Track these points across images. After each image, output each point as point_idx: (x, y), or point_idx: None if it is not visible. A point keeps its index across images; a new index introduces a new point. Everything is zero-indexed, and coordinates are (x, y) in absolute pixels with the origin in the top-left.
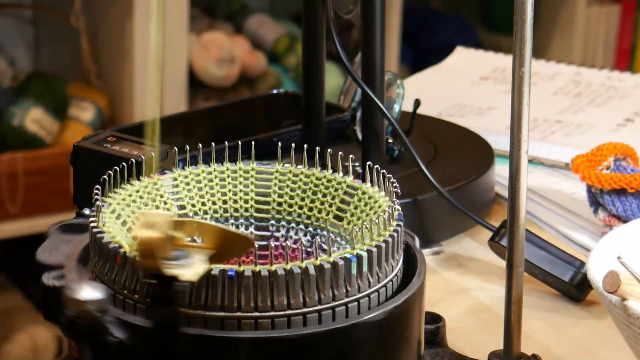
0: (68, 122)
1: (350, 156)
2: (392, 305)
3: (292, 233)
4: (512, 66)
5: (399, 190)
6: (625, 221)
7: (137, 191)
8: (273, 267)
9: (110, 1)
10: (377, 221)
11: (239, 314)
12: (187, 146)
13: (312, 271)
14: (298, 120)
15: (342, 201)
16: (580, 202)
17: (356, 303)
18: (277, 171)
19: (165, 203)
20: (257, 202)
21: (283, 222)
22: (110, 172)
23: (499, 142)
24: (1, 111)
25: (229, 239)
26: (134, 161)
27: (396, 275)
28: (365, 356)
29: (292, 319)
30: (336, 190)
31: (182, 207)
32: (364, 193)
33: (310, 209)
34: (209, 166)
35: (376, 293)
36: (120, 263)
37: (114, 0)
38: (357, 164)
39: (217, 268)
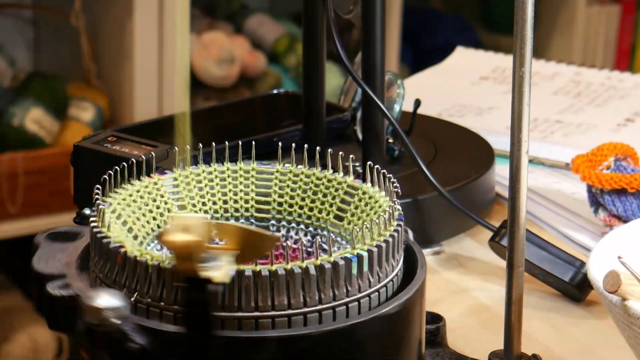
0: (68, 122)
1: (351, 156)
2: (393, 305)
3: (292, 233)
4: (513, 66)
5: (399, 190)
6: (625, 221)
7: (138, 191)
8: (274, 267)
9: (110, 1)
10: (377, 221)
11: (240, 314)
12: (188, 146)
13: (312, 271)
14: (298, 120)
15: (343, 201)
16: (580, 202)
17: (357, 303)
18: (277, 171)
19: (165, 203)
20: (257, 202)
21: (283, 222)
22: (110, 172)
23: (499, 142)
24: (1, 111)
25: (253, 238)
26: (135, 161)
27: (397, 275)
28: (365, 356)
29: (292, 319)
30: (336, 190)
31: (182, 207)
32: (364, 193)
33: (311, 209)
34: (210, 166)
35: (377, 293)
36: (120, 263)
37: (114, 0)
38: (357, 164)
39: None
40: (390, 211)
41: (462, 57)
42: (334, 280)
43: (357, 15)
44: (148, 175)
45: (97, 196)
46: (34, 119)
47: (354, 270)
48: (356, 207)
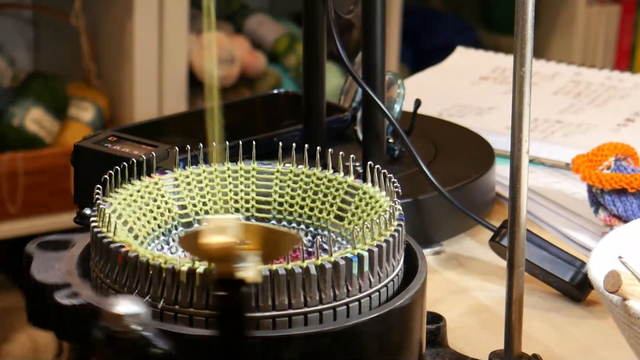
0: (68, 122)
1: (351, 156)
2: (394, 305)
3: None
4: (513, 66)
5: (399, 190)
6: (625, 221)
7: (138, 191)
8: (274, 267)
9: (110, 1)
10: (378, 221)
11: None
12: (188, 146)
13: (313, 271)
14: (298, 120)
15: (343, 201)
16: (580, 202)
17: (357, 303)
18: (278, 171)
19: (166, 203)
20: (258, 202)
21: (284, 222)
22: (111, 171)
23: (499, 142)
24: (1, 111)
25: (275, 237)
26: (135, 161)
27: (397, 275)
28: (366, 356)
29: (293, 319)
30: (337, 190)
31: (183, 207)
32: (364, 193)
33: (311, 209)
34: (210, 166)
35: (377, 293)
36: (121, 263)
37: (114, 0)
38: (357, 164)
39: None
40: (391, 211)
41: (462, 57)
42: (335, 280)
43: (357, 15)
44: (148, 175)
45: (97, 196)
46: (34, 119)
47: (355, 270)
48: (357, 207)
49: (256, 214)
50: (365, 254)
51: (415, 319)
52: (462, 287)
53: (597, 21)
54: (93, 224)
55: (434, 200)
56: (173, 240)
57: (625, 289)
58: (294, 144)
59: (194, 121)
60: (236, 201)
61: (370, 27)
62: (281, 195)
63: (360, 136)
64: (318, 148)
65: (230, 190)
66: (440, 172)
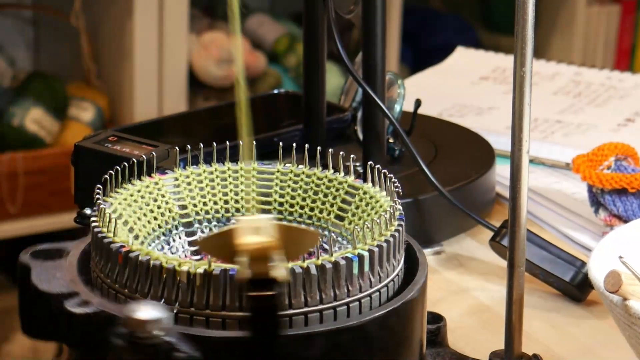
0: (68, 122)
1: (352, 156)
2: (394, 305)
3: None
4: (514, 66)
5: (400, 190)
6: (626, 221)
7: (139, 191)
8: None
9: (110, 1)
10: (378, 221)
11: (241, 313)
12: (189, 146)
13: (313, 271)
14: (298, 120)
15: (344, 201)
16: (581, 202)
17: (358, 303)
18: (278, 171)
19: (166, 203)
20: (258, 202)
21: (284, 222)
22: (111, 171)
23: (499, 142)
24: (1, 111)
25: (296, 235)
26: (135, 161)
27: (397, 274)
28: (366, 356)
29: (293, 319)
30: (337, 190)
31: (183, 207)
32: (365, 193)
33: (312, 209)
34: (210, 166)
35: (378, 293)
36: (121, 263)
37: (114, 0)
38: (358, 163)
39: (218, 268)
40: (391, 211)
41: (462, 57)
42: (335, 280)
43: (357, 15)
44: (149, 175)
45: (97, 196)
46: (34, 119)
47: (355, 270)
48: (357, 207)
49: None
50: (366, 253)
51: (416, 319)
52: (462, 287)
53: (597, 21)
54: (93, 224)
55: (434, 200)
56: (173, 240)
57: (625, 289)
58: (294, 144)
59: (194, 121)
60: (237, 201)
61: (371, 27)
62: (281, 196)
63: (361, 136)
64: (318, 148)
65: (231, 190)
66: (440, 172)
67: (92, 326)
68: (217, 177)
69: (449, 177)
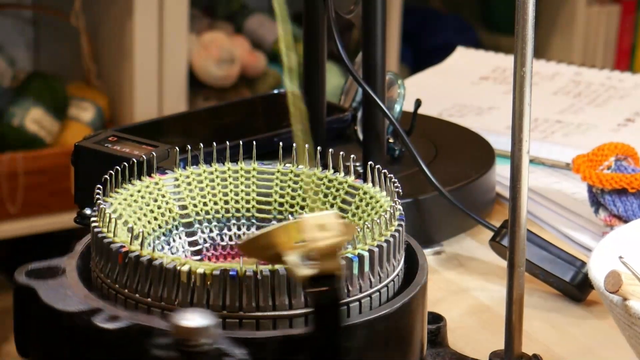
0: (68, 122)
1: (352, 156)
2: (394, 305)
3: None
4: (514, 66)
5: (400, 190)
6: (626, 221)
7: (139, 191)
8: (275, 267)
9: (110, 1)
10: (378, 221)
11: (241, 313)
12: (189, 146)
13: None
14: None
15: (344, 201)
16: (581, 202)
17: (358, 303)
18: (278, 171)
19: (167, 203)
20: (258, 202)
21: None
22: (111, 171)
23: (499, 142)
24: (1, 111)
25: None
26: (135, 161)
27: (398, 275)
28: (367, 356)
29: (293, 319)
30: (337, 190)
31: (183, 207)
32: (365, 193)
33: (312, 209)
34: (211, 166)
35: (378, 293)
36: (122, 263)
37: (114, 0)
38: (358, 164)
39: (218, 268)
40: (391, 211)
41: (462, 57)
42: None
43: (357, 15)
44: (149, 175)
45: (98, 196)
46: (34, 119)
47: (355, 270)
48: (357, 207)
49: (257, 214)
50: (366, 254)
51: (416, 319)
52: (462, 287)
53: (597, 21)
54: (93, 224)
55: (434, 200)
56: (174, 241)
57: (625, 289)
58: (294, 144)
59: (194, 121)
60: (237, 201)
61: (371, 27)
62: (282, 196)
63: (361, 136)
64: (318, 148)
65: (231, 191)
66: (440, 172)
67: (127, 340)
68: (217, 177)
69: (449, 177)
